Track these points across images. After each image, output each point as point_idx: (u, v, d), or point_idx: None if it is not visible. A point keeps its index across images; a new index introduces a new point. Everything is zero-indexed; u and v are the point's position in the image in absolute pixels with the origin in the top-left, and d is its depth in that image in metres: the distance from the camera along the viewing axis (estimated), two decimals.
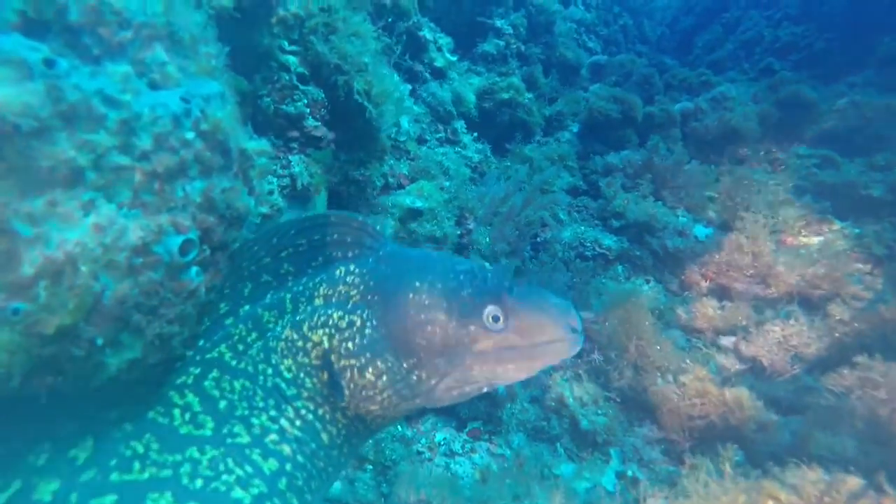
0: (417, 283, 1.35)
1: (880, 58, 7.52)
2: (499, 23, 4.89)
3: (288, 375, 1.38)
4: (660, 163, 4.30)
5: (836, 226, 4.41)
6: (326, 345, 1.37)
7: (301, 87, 2.69)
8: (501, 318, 1.28)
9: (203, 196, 1.27)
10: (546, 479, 2.22)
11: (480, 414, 2.77)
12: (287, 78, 2.66)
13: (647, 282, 3.91)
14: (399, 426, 2.64)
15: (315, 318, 1.39)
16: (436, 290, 1.33)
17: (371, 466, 2.46)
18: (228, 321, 1.51)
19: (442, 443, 2.65)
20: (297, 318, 1.42)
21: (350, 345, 1.36)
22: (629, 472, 2.46)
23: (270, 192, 2.49)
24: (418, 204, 3.14)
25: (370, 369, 1.34)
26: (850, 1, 9.81)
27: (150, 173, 1.16)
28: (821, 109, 5.27)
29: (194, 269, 1.27)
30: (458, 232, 3.43)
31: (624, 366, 2.85)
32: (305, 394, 1.37)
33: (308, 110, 2.71)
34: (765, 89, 6.38)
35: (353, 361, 1.35)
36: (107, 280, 1.11)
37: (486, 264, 1.54)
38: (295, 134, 2.69)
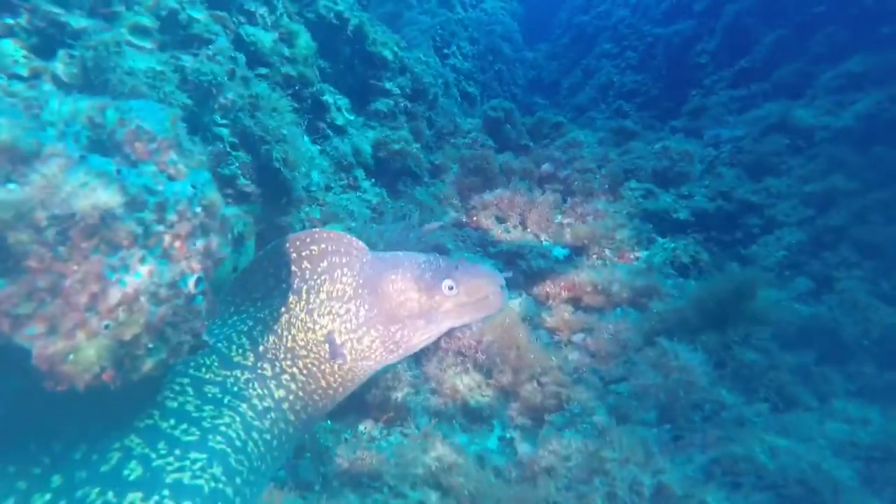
0: (393, 277, 2.16)
1: (689, 109, 9.43)
2: (388, 85, 5.76)
3: (302, 343, 2.10)
4: (520, 199, 5.37)
5: (658, 242, 5.72)
6: (330, 327, 2.11)
7: (233, 153, 3.33)
8: (454, 286, 2.07)
9: (205, 248, 1.93)
10: (445, 441, 2.98)
11: (392, 407, 3.48)
12: (221, 146, 3.28)
13: (520, 295, 4.87)
14: (328, 422, 3.28)
15: (322, 309, 2.13)
16: (407, 278, 2.15)
17: (309, 454, 3.08)
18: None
19: (363, 431, 3.33)
20: (310, 306, 2.15)
21: (349, 325, 2.11)
22: (508, 435, 3.30)
23: None
24: None
25: (366, 338, 2.12)
26: (670, 59, 12.02)
27: (175, 235, 1.81)
28: (645, 153, 6.71)
29: (200, 297, 1.91)
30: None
31: (506, 369, 3.65)
32: (313, 356, 2.10)
33: (239, 171, 3.34)
34: (609, 135, 7.77)
35: (352, 335, 2.11)
36: (154, 305, 1.73)
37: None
38: (230, 191, 3.30)
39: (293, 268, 2.33)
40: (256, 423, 2.14)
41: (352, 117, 5.24)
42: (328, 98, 4.96)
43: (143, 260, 1.71)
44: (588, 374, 3.67)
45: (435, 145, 6.12)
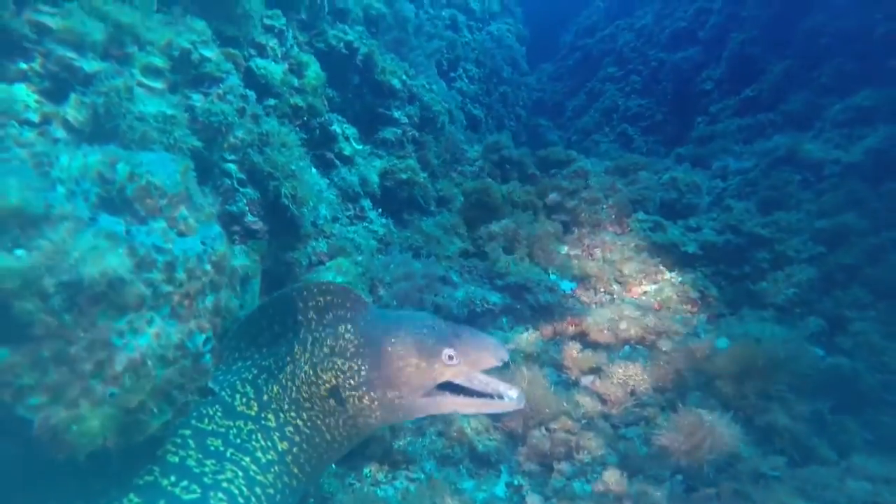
0: (393, 339, 2.06)
1: (696, 136, 9.44)
2: (396, 114, 5.76)
3: (305, 395, 2.07)
4: (524, 232, 5.33)
5: (666, 276, 5.65)
6: (334, 382, 2.10)
7: (241, 189, 3.29)
8: (455, 356, 1.98)
9: (214, 305, 1.88)
10: (454, 494, 2.90)
11: (396, 450, 3.40)
12: (229, 182, 3.24)
13: (526, 329, 4.80)
14: (333, 465, 3.20)
15: (325, 363, 2.10)
16: (407, 342, 2.05)
17: (312, 500, 2.99)
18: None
19: (368, 475, 3.25)
20: (314, 359, 2.11)
21: (352, 381, 2.09)
22: (515, 482, 3.21)
23: None
24: (338, 279, 3.79)
25: (366, 398, 2.08)
26: (676, 85, 12.07)
27: (184, 294, 1.76)
28: (653, 183, 6.66)
29: (208, 355, 1.86)
30: (371, 300, 4.10)
31: (516, 415, 3.52)
32: (317, 409, 2.08)
33: (247, 208, 3.31)
34: (613, 168, 7.72)
35: (354, 393, 2.08)
36: (160, 369, 1.67)
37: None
38: (237, 228, 3.26)
39: (299, 317, 2.28)
40: (259, 477, 2.07)
41: (359, 146, 5.22)
42: (336, 128, 4.94)
43: (150, 322, 1.66)
44: (598, 419, 3.59)
45: (441, 174, 6.10)
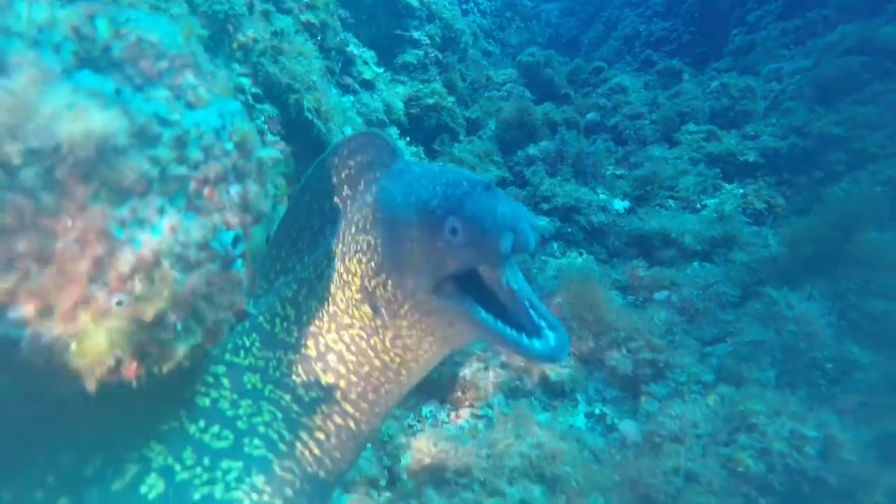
0: (399, 198, 1.34)
1: (734, 48, 8.69)
2: (415, 34, 5.22)
3: (342, 305, 1.60)
4: (569, 150, 4.83)
5: (726, 188, 5.14)
6: (359, 270, 1.50)
7: (257, 105, 2.87)
8: (459, 230, 1.18)
9: (241, 198, 1.47)
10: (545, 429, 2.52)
11: (458, 384, 3.05)
12: (243, 98, 2.82)
13: (580, 255, 4.37)
14: None
15: (352, 248, 1.55)
16: (410, 204, 1.29)
17: (369, 444, 2.67)
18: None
19: (428, 415, 2.92)
20: (344, 248, 1.59)
21: (373, 264, 1.45)
22: (596, 411, 2.85)
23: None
24: None
25: (389, 283, 1.41)
26: (703, 0, 11.15)
27: (202, 179, 1.35)
28: (699, 94, 6.06)
29: (239, 261, 1.46)
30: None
31: (585, 335, 3.17)
32: (357, 325, 1.59)
33: (266, 126, 2.89)
34: (654, 77, 7.11)
35: (377, 280, 1.44)
36: (181, 272, 1.29)
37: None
38: None
39: (335, 199, 1.77)
40: (304, 419, 1.66)
41: (380, 70, 4.73)
42: (354, 49, 4.45)
43: (161, 212, 1.26)
44: (682, 335, 3.18)
45: (469, 99, 5.58)
